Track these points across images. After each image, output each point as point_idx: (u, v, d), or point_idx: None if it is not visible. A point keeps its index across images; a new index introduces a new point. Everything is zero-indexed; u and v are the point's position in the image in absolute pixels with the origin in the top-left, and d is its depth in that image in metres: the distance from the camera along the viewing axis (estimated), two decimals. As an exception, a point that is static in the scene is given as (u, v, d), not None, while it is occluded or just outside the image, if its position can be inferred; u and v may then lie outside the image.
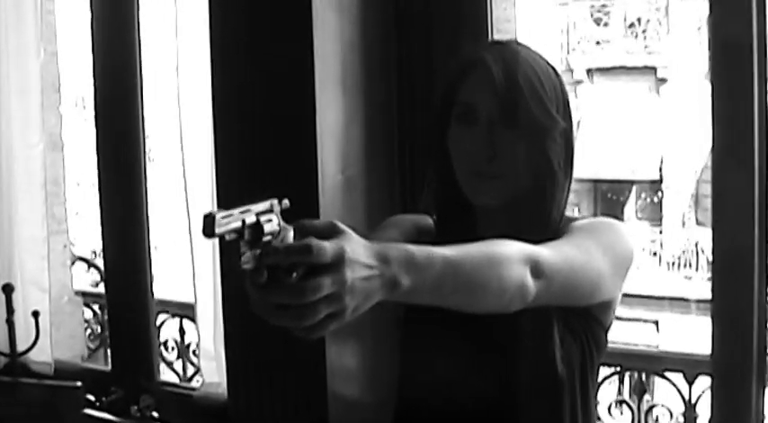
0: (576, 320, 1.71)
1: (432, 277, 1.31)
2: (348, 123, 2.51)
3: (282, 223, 1.25)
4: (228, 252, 2.59)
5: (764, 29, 2.25)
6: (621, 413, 3.03)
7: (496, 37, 2.53)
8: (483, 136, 1.68)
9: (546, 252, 1.50)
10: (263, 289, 1.19)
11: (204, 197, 2.90)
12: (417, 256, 1.30)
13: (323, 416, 2.48)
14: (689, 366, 2.80)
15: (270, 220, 1.23)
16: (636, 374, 3.00)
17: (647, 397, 2.96)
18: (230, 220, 1.17)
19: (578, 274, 1.59)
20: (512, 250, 1.44)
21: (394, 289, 1.27)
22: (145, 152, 3.29)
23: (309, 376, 2.53)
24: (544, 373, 1.68)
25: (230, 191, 2.63)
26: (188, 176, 3.01)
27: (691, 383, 2.79)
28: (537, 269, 1.46)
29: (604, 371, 2.82)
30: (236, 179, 2.63)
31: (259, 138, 2.55)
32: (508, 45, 1.77)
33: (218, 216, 1.15)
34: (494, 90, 1.66)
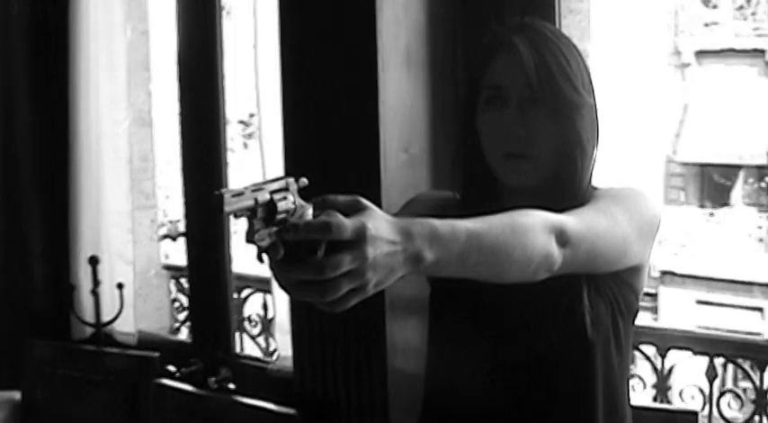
0: (606, 284, 1.73)
1: (456, 250, 1.33)
2: (412, 102, 2.53)
3: (299, 201, 1.26)
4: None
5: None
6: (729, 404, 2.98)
7: (566, 17, 2.52)
8: (514, 117, 1.70)
9: (570, 220, 1.52)
10: (283, 265, 1.21)
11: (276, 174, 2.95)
12: (441, 230, 1.31)
13: (383, 390, 2.52)
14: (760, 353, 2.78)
15: (284, 199, 1.24)
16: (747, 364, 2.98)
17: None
18: (241, 199, 1.18)
19: (604, 240, 1.60)
20: (536, 220, 1.46)
21: (418, 263, 1.28)
22: (225, 129, 3.34)
23: (370, 351, 2.56)
24: (574, 338, 1.70)
25: (296, 170, 2.66)
26: (265, 155, 3.07)
27: (762, 370, 2.77)
28: (562, 237, 1.48)
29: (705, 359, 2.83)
30: (303, 160, 2.68)
31: (324, 117, 2.59)
32: (532, 25, 1.78)
33: (227, 195, 1.16)
34: (524, 72, 1.68)
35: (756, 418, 2.85)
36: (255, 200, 1.20)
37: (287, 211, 1.24)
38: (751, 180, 13.89)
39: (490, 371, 1.74)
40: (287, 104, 2.68)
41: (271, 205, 1.22)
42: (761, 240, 13.15)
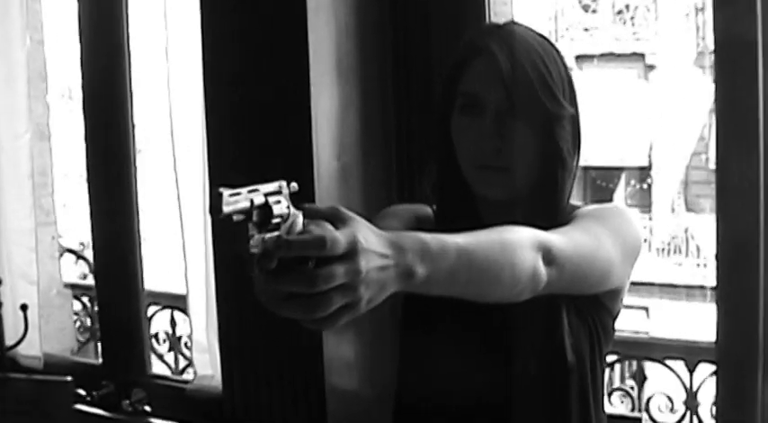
0: (586, 308, 1.68)
1: (446, 266, 1.26)
2: (344, 110, 2.48)
3: (291, 206, 1.19)
4: (222, 241, 2.56)
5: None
6: (622, 402, 3.00)
7: (493, 20, 2.49)
8: (490, 127, 1.63)
9: (557, 239, 1.46)
10: (272, 276, 1.11)
11: (196, 186, 2.86)
12: (432, 245, 1.25)
13: (320, 409, 2.45)
14: (689, 353, 2.79)
15: (279, 202, 1.17)
16: (634, 362, 2.98)
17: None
18: (238, 200, 1.10)
19: (589, 261, 1.55)
20: (523, 237, 1.40)
21: (409, 279, 1.21)
22: (134, 142, 3.24)
23: (307, 369, 2.50)
24: (553, 361, 1.65)
25: (223, 179, 2.58)
26: (179, 165, 2.96)
27: (692, 371, 2.77)
28: (548, 256, 1.42)
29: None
30: (228, 167, 2.59)
31: (253, 125, 2.52)
32: (510, 28, 1.70)
33: (226, 194, 1.09)
34: (501, 80, 1.61)
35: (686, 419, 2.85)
36: (251, 202, 1.12)
37: (281, 216, 1.16)
38: (633, 182, 14.22)
39: (464, 386, 1.68)
40: (211, 112, 2.59)
41: (266, 208, 1.15)
42: (644, 240, 13.45)
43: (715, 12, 2.30)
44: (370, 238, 1.16)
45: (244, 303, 2.61)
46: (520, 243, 1.38)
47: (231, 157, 2.58)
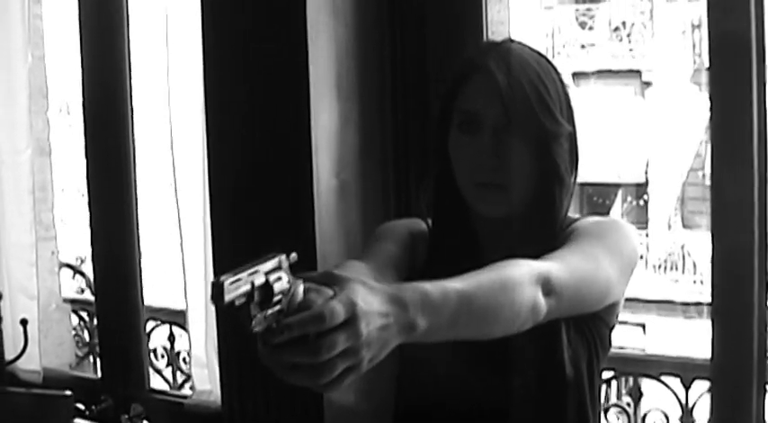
0: (583, 321, 1.69)
1: (447, 314, 1.29)
2: (342, 127, 2.49)
3: (291, 278, 1.21)
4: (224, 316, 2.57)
5: (763, 25, 2.23)
6: (618, 418, 3.00)
7: (491, 39, 2.51)
8: (487, 145, 1.64)
9: (555, 267, 1.48)
10: (276, 349, 1.16)
11: (196, 203, 2.87)
12: (432, 295, 1.27)
13: (319, 423, 2.45)
14: (684, 370, 2.79)
15: (279, 279, 1.19)
16: (630, 379, 2.98)
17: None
18: (239, 285, 1.13)
19: (588, 284, 1.56)
20: (522, 272, 1.42)
21: (411, 332, 1.24)
22: (134, 158, 3.25)
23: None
24: (551, 374, 1.66)
25: (222, 196, 2.61)
26: (179, 182, 2.98)
27: (687, 388, 2.78)
28: (547, 286, 1.44)
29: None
30: (228, 184, 2.60)
31: (252, 142, 2.52)
32: (508, 46, 1.71)
33: (227, 283, 1.11)
34: (499, 97, 1.62)
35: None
36: (252, 284, 1.15)
37: (282, 293, 1.18)
38: (629, 198, 14.24)
39: (463, 397, 1.69)
40: (212, 129, 2.61)
41: (267, 288, 1.17)
42: (641, 257, 13.46)
43: (710, 28, 2.31)
44: (368, 298, 1.19)
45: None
46: (520, 279, 1.40)
47: (231, 174, 2.59)
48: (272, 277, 1.18)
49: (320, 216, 2.41)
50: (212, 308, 2.82)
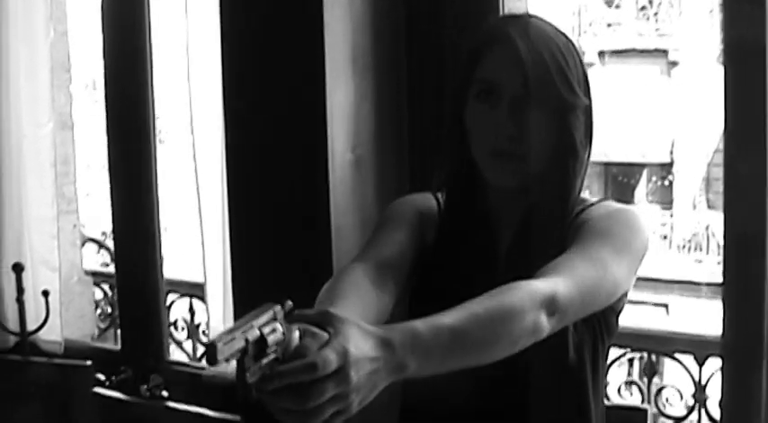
0: None
1: (439, 351, 1.32)
2: (358, 102, 2.50)
3: (286, 327, 1.23)
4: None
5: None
6: (631, 394, 3.02)
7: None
8: (505, 115, 1.64)
9: (561, 285, 1.48)
10: (270, 395, 1.20)
11: (214, 176, 2.89)
12: (423, 336, 1.30)
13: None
14: (699, 348, 2.80)
15: (274, 331, 1.21)
16: (646, 356, 3.00)
17: (655, 379, 2.95)
18: (233, 344, 1.16)
19: (594, 293, 1.58)
20: (523, 298, 1.43)
21: (401, 372, 1.28)
22: (155, 133, 3.27)
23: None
24: (556, 360, 1.66)
25: (239, 170, 2.64)
26: (198, 156, 3.01)
27: (701, 365, 2.79)
28: (552, 307, 1.46)
29: (614, 352, 2.82)
30: (245, 158, 2.63)
31: (269, 117, 2.54)
32: (526, 19, 1.72)
33: (220, 344, 1.14)
34: (520, 67, 1.62)
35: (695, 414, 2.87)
36: (246, 340, 1.17)
37: (277, 344, 1.21)
38: (654, 178, 14.18)
39: (466, 384, 1.70)
40: (229, 104, 2.63)
41: (262, 342, 1.20)
42: (665, 237, 13.44)
43: (724, 9, 2.32)
44: (360, 344, 1.22)
45: (259, 291, 2.66)
46: (520, 307, 1.41)
47: (248, 148, 2.61)
48: (267, 330, 1.20)
49: (335, 191, 2.43)
50: (230, 280, 2.86)
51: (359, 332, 1.24)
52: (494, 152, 1.67)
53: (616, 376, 2.99)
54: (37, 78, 3.40)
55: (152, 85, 3.22)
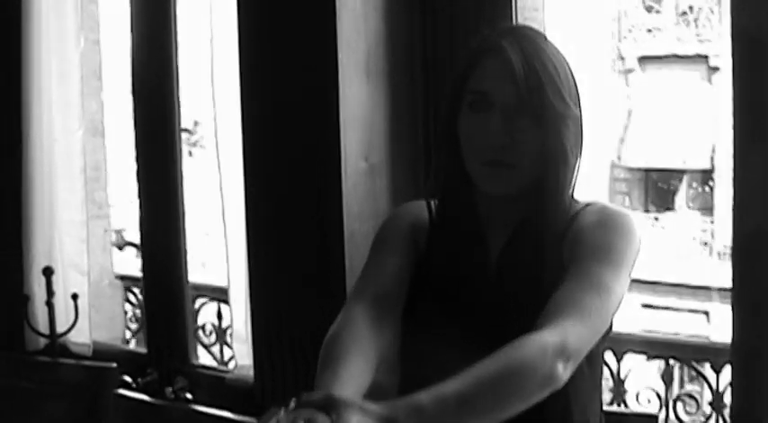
0: None
1: (446, 421, 1.36)
2: (372, 110, 2.54)
3: None
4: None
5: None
6: (649, 401, 3.01)
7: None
8: (498, 124, 1.66)
9: (569, 328, 1.52)
10: None
11: (237, 187, 2.93)
12: (427, 408, 1.34)
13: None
14: (717, 355, 2.81)
15: None
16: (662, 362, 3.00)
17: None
18: None
19: (603, 318, 1.61)
20: (534, 353, 1.46)
21: None
22: (180, 140, 3.33)
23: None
24: None
25: (258, 178, 2.69)
26: (222, 163, 3.06)
27: (718, 372, 2.79)
28: (565, 354, 1.49)
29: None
30: (263, 166, 2.67)
31: (284, 125, 2.58)
32: (520, 31, 1.76)
33: None
34: (512, 78, 1.65)
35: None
36: None
37: None
38: (695, 184, 14.05)
39: None
40: (246, 112, 2.68)
41: None
42: (705, 244, 13.32)
43: (733, 10, 2.33)
44: None
45: (275, 295, 2.70)
46: (531, 363, 1.45)
47: (265, 156, 2.66)
48: None
49: (348, 197, 2.46)
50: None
51: (361, 414, 1.29)
52: (486, 161, 1.69)
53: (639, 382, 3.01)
54: (68, 86, 3.48)
55: (178, 93, 3.28)
